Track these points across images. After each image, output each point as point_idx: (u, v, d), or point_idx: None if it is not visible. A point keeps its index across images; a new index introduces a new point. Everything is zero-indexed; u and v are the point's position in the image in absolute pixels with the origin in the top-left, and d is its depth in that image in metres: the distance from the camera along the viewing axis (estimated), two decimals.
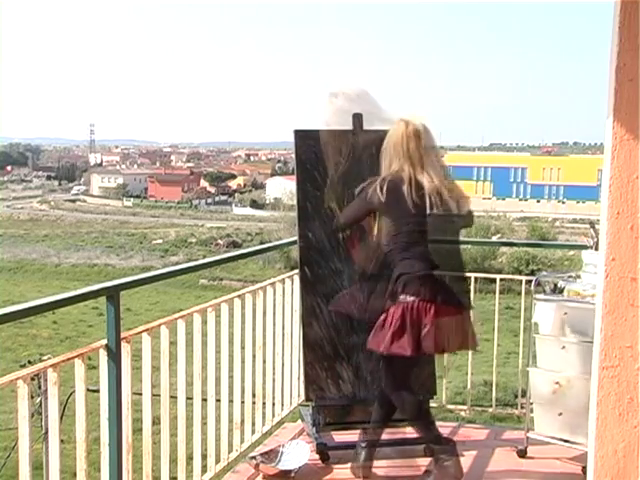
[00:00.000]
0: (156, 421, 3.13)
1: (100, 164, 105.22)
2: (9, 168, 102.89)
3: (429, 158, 3.38)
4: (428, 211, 3.29)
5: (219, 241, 47.93)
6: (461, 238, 3.82)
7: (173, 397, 3.26)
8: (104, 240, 51.04)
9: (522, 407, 4.40)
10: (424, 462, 3.61)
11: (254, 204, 69.91)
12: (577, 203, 67.86)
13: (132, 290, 3.22)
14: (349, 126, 4.06)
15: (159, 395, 3.17)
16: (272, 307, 4.11)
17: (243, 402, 3.90)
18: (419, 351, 3.28)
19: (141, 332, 3.12)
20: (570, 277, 3.93)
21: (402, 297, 3.29)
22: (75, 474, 2.78)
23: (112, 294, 2.90)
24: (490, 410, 4.99)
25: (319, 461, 3.82)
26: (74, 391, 2.81)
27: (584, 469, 3.49)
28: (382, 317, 3.36)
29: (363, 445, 3.63)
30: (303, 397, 4.20)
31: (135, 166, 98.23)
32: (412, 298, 3.26)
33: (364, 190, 3.43)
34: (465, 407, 4.82)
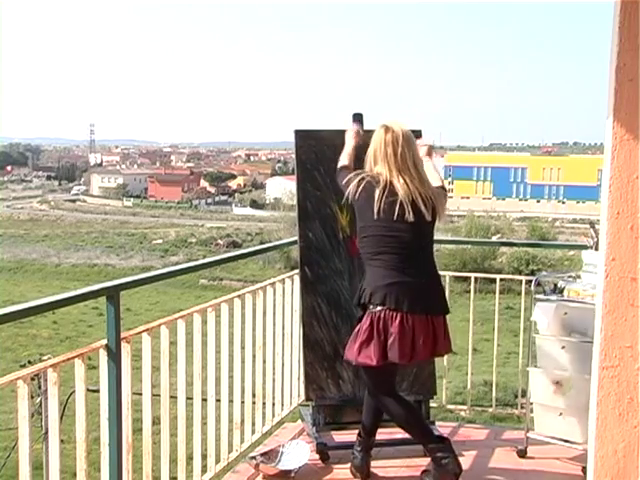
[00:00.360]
0: (156, 421, 3.13)
1: (100, 164, 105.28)
2: (9, 168, 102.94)
3: (407, 164, 3.38)
4: (395, 218, 3.30)
5: (219, 241, 47.92)
6: (461, 238, 3.81)
7: (173, 397, 3.25)
8: (104, 240, 51.04)
9: (522, 407, 4.40)
10: (424, 462, 3.60)
11: (254, 204, 69.92)
12: (577, 203, 67.89)
13: (132, 290, 3.22)
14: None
15: (159, 395, 3.17)
16: (272, 307, 4.11)
17: (243, 402, 3.90)
18: (385, 360, 3.30)
19: (141, 332, 3.12)
20: (570, 277, 3.93)
21: (371, 307, 3.34)
22: (75, 474, 2.78)
23: (112, 294, 2.90)
24: (490, 410, 4.99)
25: (319, 461, 3.82)
26: (74, 391, 2.81)
27: (584, 469, 3.49)
28: (356, 328, 3.42)
29: (359, 449, 3.64)
30: (303, 397, 4.20)
31: (135, 166, 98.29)
32: (379, 308, 3.30)
33: (350, 178, 3.44)
34: (465, 407, 4.82)
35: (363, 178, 3.40)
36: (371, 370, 3.41)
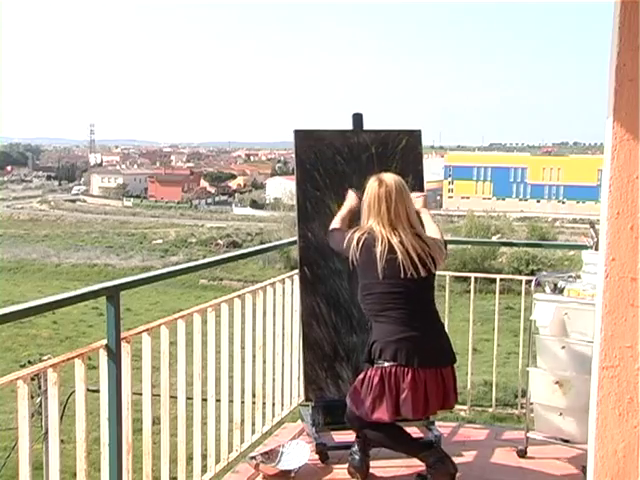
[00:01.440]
0: (156, 421, 3.13)
1: (100, 164, 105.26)
2: (9, 168, 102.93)
3: (400, 219, 3.40)
4: (402, 275, 3.33)
5: (219, 241, 47.93)
6: (461, 238, 3.82)
7: (173, 397, 3.26)
8: (104, 240, 51.05)
9: (522, 407, 4.40)
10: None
11: (254, 204, 69.93)
12: (577, 203, 67.91)
13: (132, 290, 3.22)
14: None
15: (159, 395, 3.17)
16: (272, 307, 4.11)
17: (243, 402, 3.90)
18: (398, 416, 3.34)
19: (141, 332, 3.12)
20: (570, 277, 3.94)
21: (380, 362, 3.34)
22: (75, 474, 2.78)
23: (112, 294, 2.90)
24: (490, 410, 5.00)
25: (319, 461, 3.82)
26: (74, 391, 2.81)
27: (584, 469, 3.49)
28: (360, 377, 3.43)
29: (357, 449, 3.63)
30: (303, 397, 4.20)
31: (135, 166, 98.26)
32: (389, 364, 3.31)
33: (349, 239, 3.45)
34: (465, 407, 4.82)
35: (360, 238, 3.41)
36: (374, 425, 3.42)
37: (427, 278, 3.41)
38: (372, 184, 3.48)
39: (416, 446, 3.57)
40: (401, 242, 3.36)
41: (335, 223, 3.72)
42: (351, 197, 3.79)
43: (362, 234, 3.43)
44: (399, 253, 3.34)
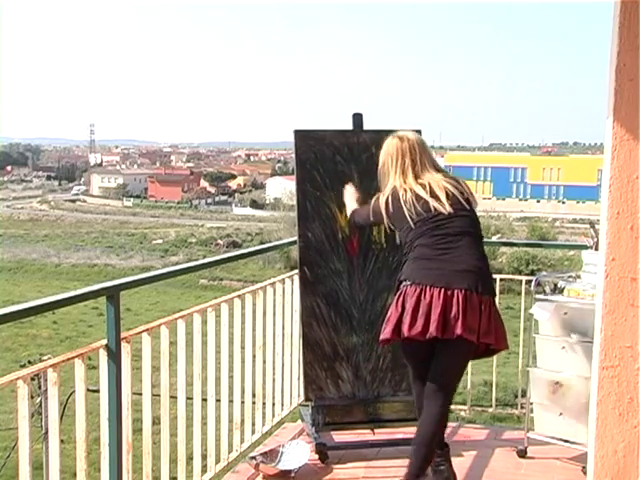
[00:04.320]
0: (156, 421, 3.13)
1: (100, 164, 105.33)
2: (9, 168, 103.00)
3: (427, 167, 3.38)
4: (433, 211, 3.26)
5: (219, 241, 47.93)
6: None
7: (173, 397, 3.25)
8: (104, 240, 51.07)
9: (522, 407, 4.40)
10: None
11: (254, 204, 69.91)
12: (577, 203, 67.90)
13: (132, 290, 3.22)
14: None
15: (159, 395, 3.17)
16: (272, 307, 4.11)
17: (243, 402, 3.90)
18: (398, 336, 3.23)
19: (141, 332, 3.12)
20: (570, 277, 3.93)
21: (401, 286, 3.27)
22: (75, 474, 2.78)
23: (112, 294, 2.90)
24: (490, 410, 5.00)
25: (319, 461, 3.82)
26: (74, 391, 2.81)
27: (584, 469, 3.49)
28: None
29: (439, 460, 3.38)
30: (303, 397, 4.20)
31: (135, 166, 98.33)
32: (403, 284, 3.25)
33: (375, 204, 3.43)
34: (465, 407, 4.82)
35: (387, 199, 3.37)
36: (402, 349, 3.37)
37: (462, 213, 3.31)
38: (392, 141, 3.45)
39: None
40: (427, 185, 3.32)
41: (352, 206, 3.70)
42: (350, 190, 3.80)
43: (386, 196, 3.39)
44: (425, 196, 3.29)
